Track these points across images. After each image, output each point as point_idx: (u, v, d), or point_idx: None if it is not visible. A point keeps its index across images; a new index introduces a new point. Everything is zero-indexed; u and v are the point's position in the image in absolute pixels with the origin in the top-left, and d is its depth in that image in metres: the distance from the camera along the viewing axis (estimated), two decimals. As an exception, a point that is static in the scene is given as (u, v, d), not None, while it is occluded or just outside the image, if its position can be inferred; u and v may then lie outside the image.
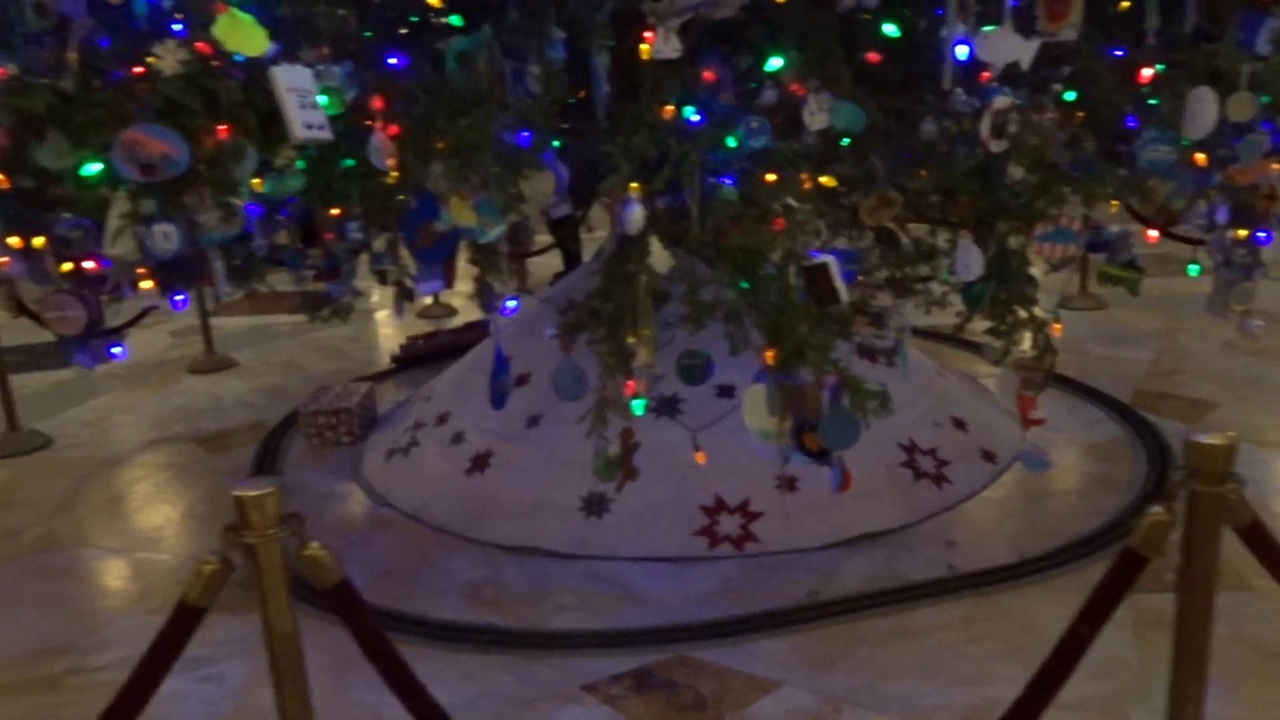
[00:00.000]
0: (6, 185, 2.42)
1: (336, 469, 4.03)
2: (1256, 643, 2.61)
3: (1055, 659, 1.67)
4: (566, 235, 5.83)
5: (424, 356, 5.26)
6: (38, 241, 2.56)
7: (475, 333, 5.39)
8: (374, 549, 3.41)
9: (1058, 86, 2.70)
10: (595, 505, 3.33)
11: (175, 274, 2.51)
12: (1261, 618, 2.67)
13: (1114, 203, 2.84)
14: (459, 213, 2.17)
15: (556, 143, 2.37)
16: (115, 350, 3.04)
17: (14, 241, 2.53)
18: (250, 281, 2.78)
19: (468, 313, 6.29)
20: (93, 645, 2.90)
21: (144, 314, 4.99)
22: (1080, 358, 4.82)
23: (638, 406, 2.39)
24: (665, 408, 3.41)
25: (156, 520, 3.72)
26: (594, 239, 5.50)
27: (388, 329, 6.20)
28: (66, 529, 3.63)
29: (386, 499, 3.72)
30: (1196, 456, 1.54)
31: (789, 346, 2.22)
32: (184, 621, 1.61)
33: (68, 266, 2.63)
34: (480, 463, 3.60)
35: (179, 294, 2.57)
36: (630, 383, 2.35)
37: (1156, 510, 1.58)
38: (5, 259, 2.54)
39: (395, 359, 5.31)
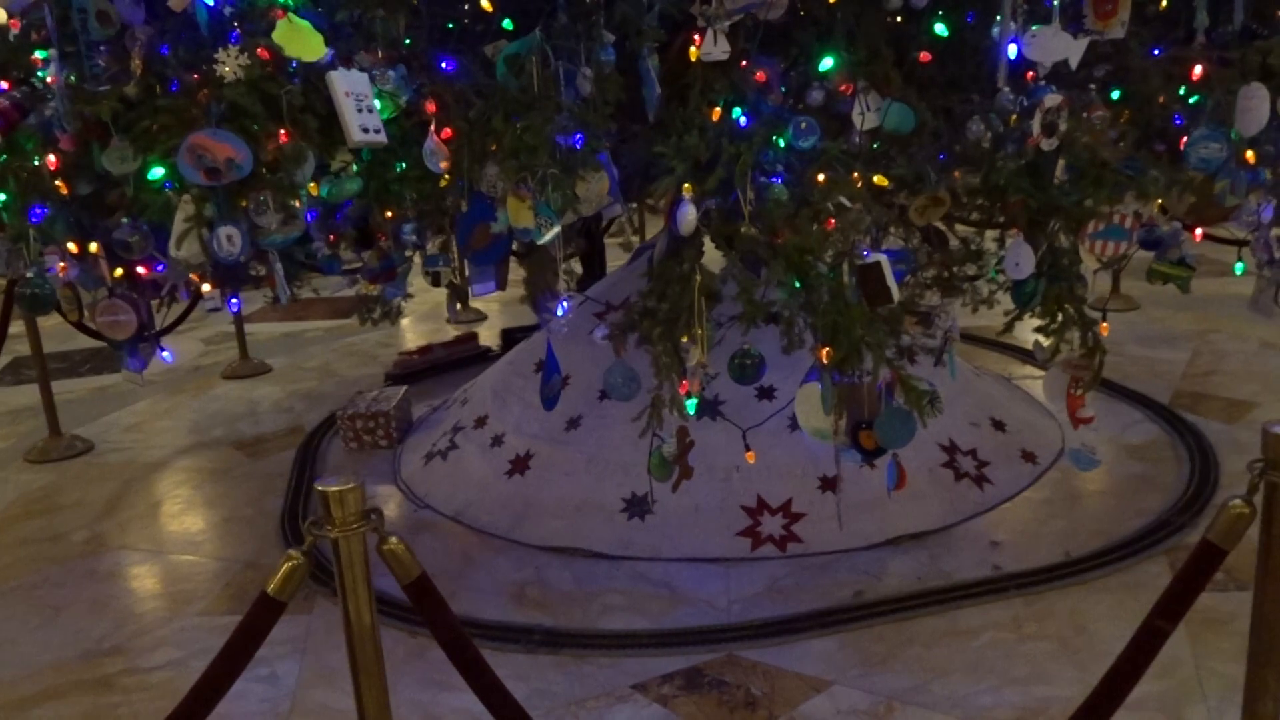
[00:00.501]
0: (66, 192, 2.46)
1: (375, 472, 4.05)
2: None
3: (1129, 655, 1.66)
4: (592, 241, 5.86)
5: (418, 372, 5.14)
6: (92, 246, 2.60)
7: (468, 346, 5.33)
8: (416, 551, 3.39)
9: (1093, 86, 2.70)
10: (638, 506, 3.35)
11: (228, 276, 2.55)
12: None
13: (1158, 201, 2.84)
14: (517, 214, 2.19)
15: (608, 144, 2.38)
16: (164, 354, 3.09)
17: (71, 247, 2.57)
18: (299, 285, 2.81)
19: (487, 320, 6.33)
20: (145, 646, 2.93)
21: (180, 320, 5.05)
22: (1116, 359, 4.78)
23: (690, 406, 2.40)
24: (707, 409, 3.42)
25: (199, 524, 3.75)
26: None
27: (413, 335, 6.24)
28: (113, 532, 3.67)
29: (426, 501, 3.74)
30: (1278, 448, 1.53)
31: (845, 345, 2.22)
32: (264, 615, 1.62)
33: (120, 271, 2.67)
34: (520, 465, 3.62)
35: (234, 296, 2.60)
36: (684, 382, 2.36)
37: (1236, 503, 1.58)
38: (63, 264, 2.58)
39: (390, 376, 5.12)
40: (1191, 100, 2.69)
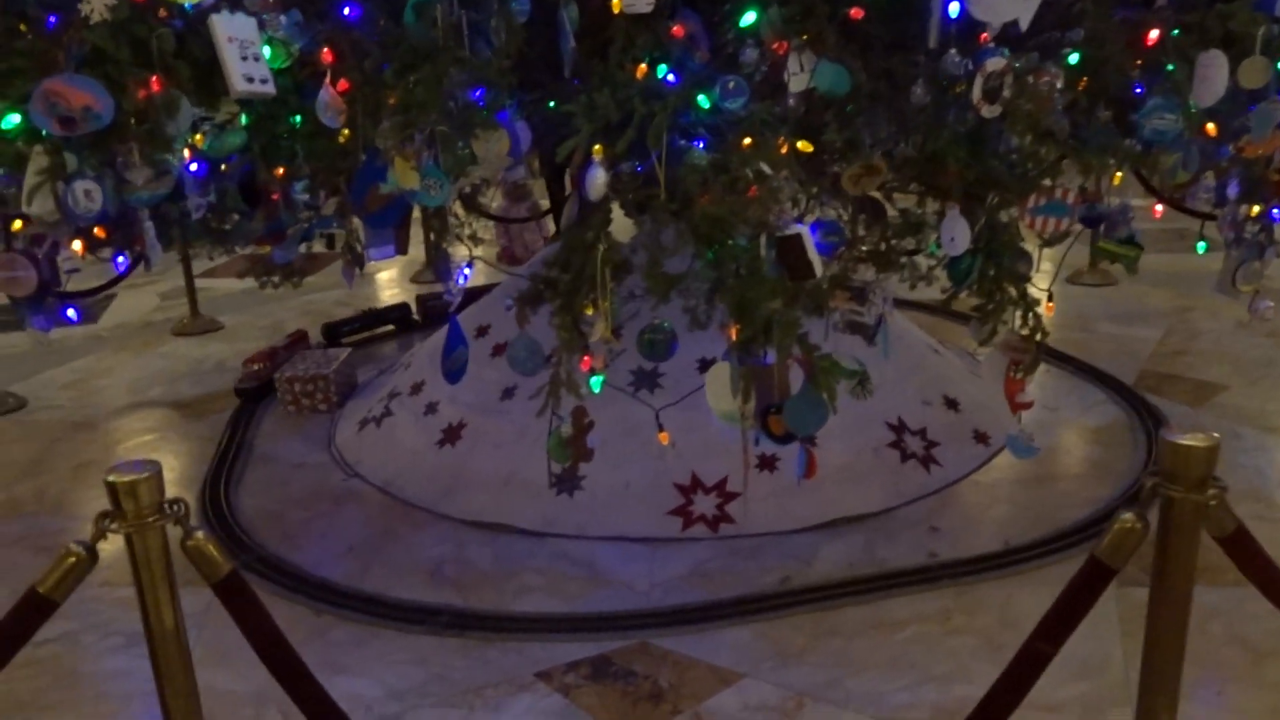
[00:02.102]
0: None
1: (310, 438, 3.93)
2: (1251, 643, 2.48)
3: (1009, 675, 1.53)
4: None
5: (269, 384, 4.30)
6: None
7: (302, 345, 4.81)
8: (339, 522, 3.30)
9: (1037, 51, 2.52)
10: (567, 482, 3.21)
11: (114, 233, 2.39)
12: (1258, 618, 2.52)
13: (1118, 175, 2.67)
14: (402, 174, 2.03)
15: (510, 101, 2.22)
16: (70, 314, 2.94)
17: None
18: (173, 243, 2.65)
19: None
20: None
21: (121, 277, 4.89)
22: (1087, 335, 4.65)
23: (595, 383, 2.26)
24: (644, 381, 3.28)
25: (124, 487, 3.62)
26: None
27: (388, 293, 6.08)
28: (29, 496, 3.55)
29: (356, 470, 3.62)
30: (1173, 460, 1.39)
31: (755, 323, 2.07)
32: (30, 615, 1.48)
33: (19, 225, 2.52)
34: (452, 435, 3.48)
35: (119, 255, 2.45)
36: (587, 358, 2.21)
37: (1126, 517, 1.44)
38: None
39: (239, 391, 4.32)
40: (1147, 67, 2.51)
